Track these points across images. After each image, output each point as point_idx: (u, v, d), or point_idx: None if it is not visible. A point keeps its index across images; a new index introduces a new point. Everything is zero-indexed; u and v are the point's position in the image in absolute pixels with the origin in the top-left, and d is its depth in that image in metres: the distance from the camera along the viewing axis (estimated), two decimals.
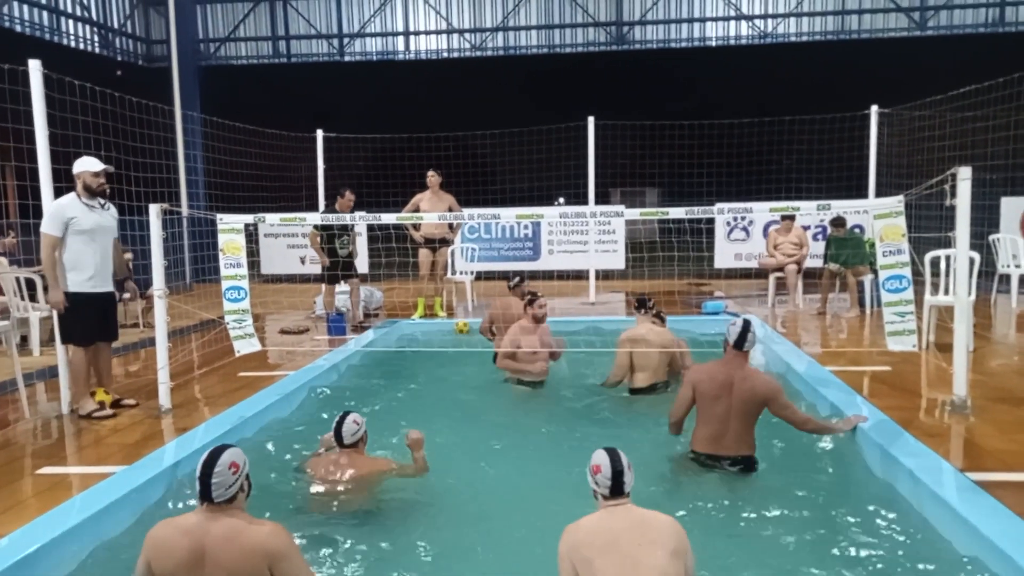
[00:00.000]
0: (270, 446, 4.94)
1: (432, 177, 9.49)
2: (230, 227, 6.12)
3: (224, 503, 2.69)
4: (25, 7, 16.00)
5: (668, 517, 2.73)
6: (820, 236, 11.93)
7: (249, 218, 6.49)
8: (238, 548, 2.62)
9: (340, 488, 4.06)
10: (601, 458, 2.79)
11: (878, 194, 10.20)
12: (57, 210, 5.38)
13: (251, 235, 12.72)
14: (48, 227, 5.36)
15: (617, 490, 2.75)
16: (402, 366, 7.39)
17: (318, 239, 9.22)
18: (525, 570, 3.33)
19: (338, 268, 9.10)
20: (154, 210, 5.61)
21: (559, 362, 6.74)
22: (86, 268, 5.48)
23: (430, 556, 3.50)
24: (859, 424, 4.74)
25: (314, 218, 8.00)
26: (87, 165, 5.50)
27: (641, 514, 2.73)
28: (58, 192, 5.52)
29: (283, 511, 3.89)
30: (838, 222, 9.85)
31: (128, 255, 8.73)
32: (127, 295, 8.78)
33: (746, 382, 4.32)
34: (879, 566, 3.27)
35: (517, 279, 7.43)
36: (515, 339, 6.37)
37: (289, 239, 14.01)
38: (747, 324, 4.42)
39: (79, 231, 5.42)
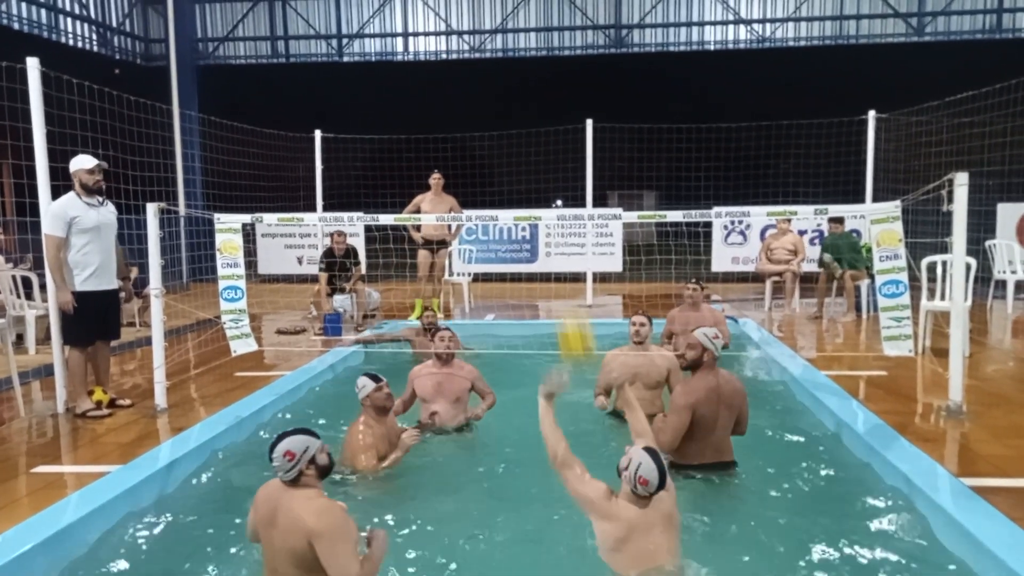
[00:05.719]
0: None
1: (436, 179, 9.53)
2: (227, 227, 6.13)
3: (290, 482, 2.92)
4: (24, 5, 15.95)
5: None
6: (817, 240, 11.95)
7: (247, 218, 6.49)
8: (291, 519, 2.83)
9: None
10: (650, 473, 3.00)
11: (875, 199, 10.22)
12: (59, 210, 5.35)
13: (248, 235, 12.73)
14: (51, 228, 5.33)
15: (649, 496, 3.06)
16: (397, 367, 7.36)
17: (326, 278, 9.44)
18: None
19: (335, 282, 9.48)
20: (151, 209, 5.60)
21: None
22: (89, 266, 5.46)
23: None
24: (854, 428, 4.75)
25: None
26: (81, 163, 5.48)
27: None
28: (55, 190, 5.50)
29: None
30: (836, 219, 9.87)
31: (134, 270, 8.68)
32: (122, 295, 8.75)
33: (729, 384, 4.25)
34: (873, 571, 3.27)
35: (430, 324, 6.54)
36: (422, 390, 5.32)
37: (286, 239, 14.00)
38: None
39: (82, 229, 5.39)
